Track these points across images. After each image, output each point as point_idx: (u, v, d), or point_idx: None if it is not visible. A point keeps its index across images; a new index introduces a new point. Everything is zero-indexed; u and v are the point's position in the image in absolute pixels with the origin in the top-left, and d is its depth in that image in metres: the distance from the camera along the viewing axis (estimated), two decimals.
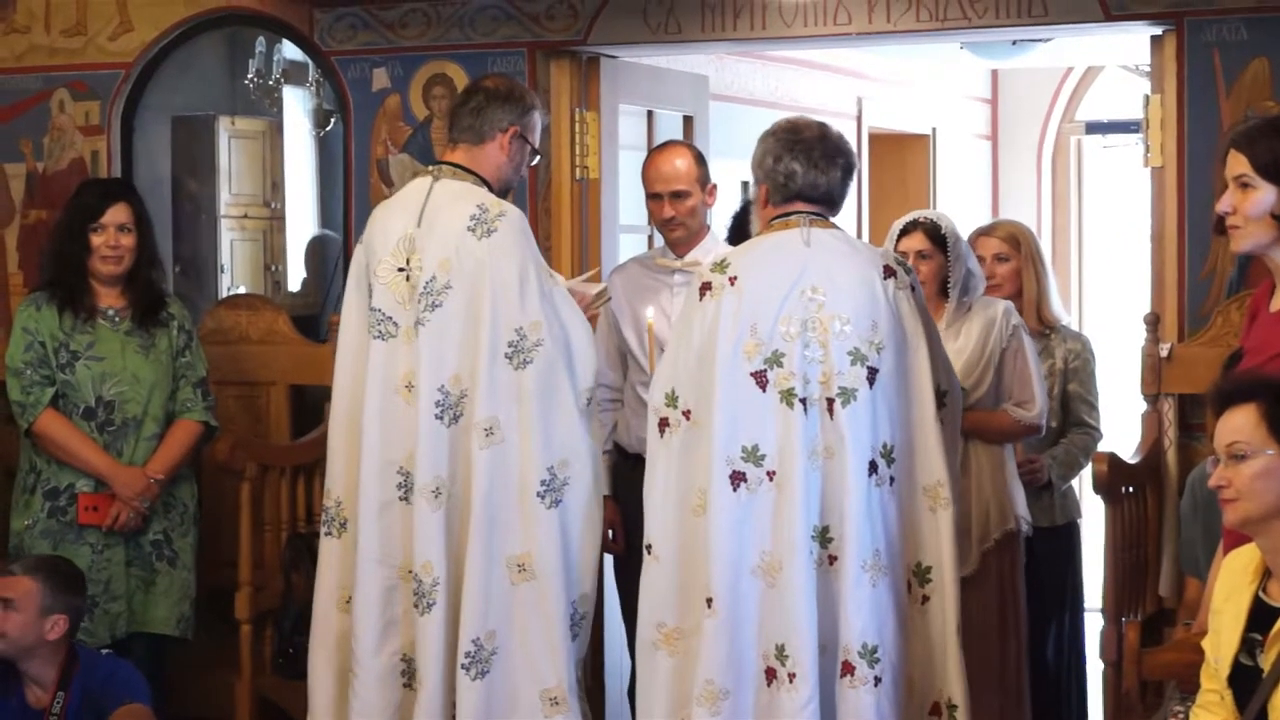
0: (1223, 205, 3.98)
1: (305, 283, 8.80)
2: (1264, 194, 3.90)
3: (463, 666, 4.91)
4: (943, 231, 5.56)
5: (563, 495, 4.97)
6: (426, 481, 4.95)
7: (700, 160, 5.86)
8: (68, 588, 5.29)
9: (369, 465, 5.03)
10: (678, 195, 5.78)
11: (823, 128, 4.66)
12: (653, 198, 5.85)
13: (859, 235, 9.70)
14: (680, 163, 5.79)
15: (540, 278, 5.01)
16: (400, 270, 5.04)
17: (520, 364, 4.94)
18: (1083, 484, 6.02)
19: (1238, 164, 3.94)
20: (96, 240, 5.81)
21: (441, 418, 4.96)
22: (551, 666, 4.95)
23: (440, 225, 5.01)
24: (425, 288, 4.98)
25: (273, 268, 8.75)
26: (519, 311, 4.94)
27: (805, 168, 4.57)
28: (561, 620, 4.96)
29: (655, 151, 5.94)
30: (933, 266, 5.55)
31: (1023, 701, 5.65)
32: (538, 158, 5.37)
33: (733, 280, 4.52)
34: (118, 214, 5.83)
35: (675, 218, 5.79)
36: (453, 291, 4.96)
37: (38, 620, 5.18)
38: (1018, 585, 5.62)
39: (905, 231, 5.61)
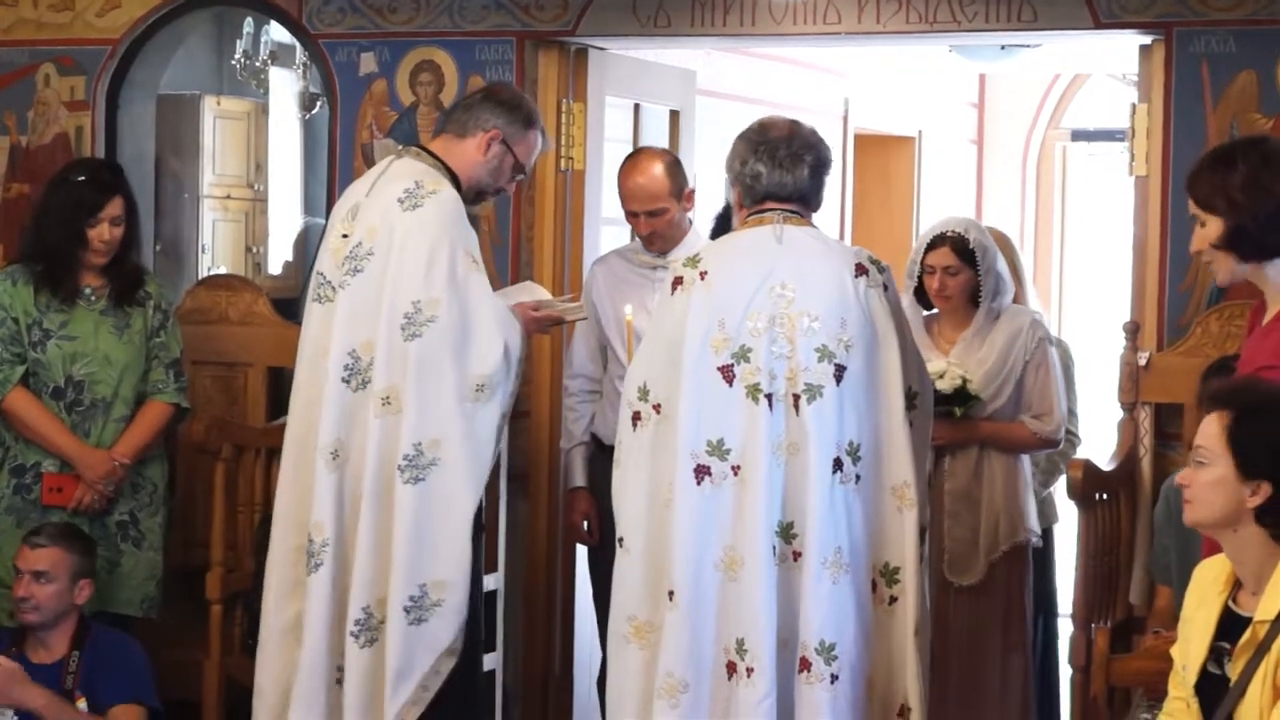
0: (1193, 247, 4.10)
1: (286, 265, 8.79)
2: (1211, 226, 4.00)
3: (352, 634, 4.93)
4: (971, 246, 5.52)
5: (426, 475, 4.94)
6: (326, 443, 4.98)
7: (673, 169, 5.82)
8: (88, 552, 5.48)
9: (291, 427, 5.10)
10: (653, 213, 5.77)
11: (792, 126, 4.65)
12: (630, 214, 5.85)
13: (841, 236, 9.71)
14: (652, 183, 5.76)
15: (455, 260, 4.99)
16: (344, 236, 5.08)
17: (410, 336, 4.95)
18: (1060, 490, 6.02)
19: (1191, 205, 4.07)
20: (91, 234, 5.77)
21: (348, 381, 4.98)
22: (392, 646, 4.93)
23: (380, 195, 5.06)
24: (351, 252, 5.02)
25: (254, 250, 8.74)
26: (420, 285, 4.95)
27: (770, 168, 4.57)
28: (395, 600, 4.91)
29: (628, 167, 5.87)
30: (961, 281, 5.53)
31: (1027, 714, 5.63)
32: (522, 175, 5.35)
33: (703, 275, 4.53)
34: (114, 208, 5.79)
35: (654, 232, 5.80)
36: (373, 259, 5.00)
37: (69, 587, 5.37)
38: (1025, 597, 5.62)
39: (932, 245, 5.56)
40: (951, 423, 5.42)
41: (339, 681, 5.00)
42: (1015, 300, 5.92)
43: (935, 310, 5.64)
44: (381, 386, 4.94)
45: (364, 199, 5.09)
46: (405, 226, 4.97)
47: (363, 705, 4.94)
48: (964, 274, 5.53)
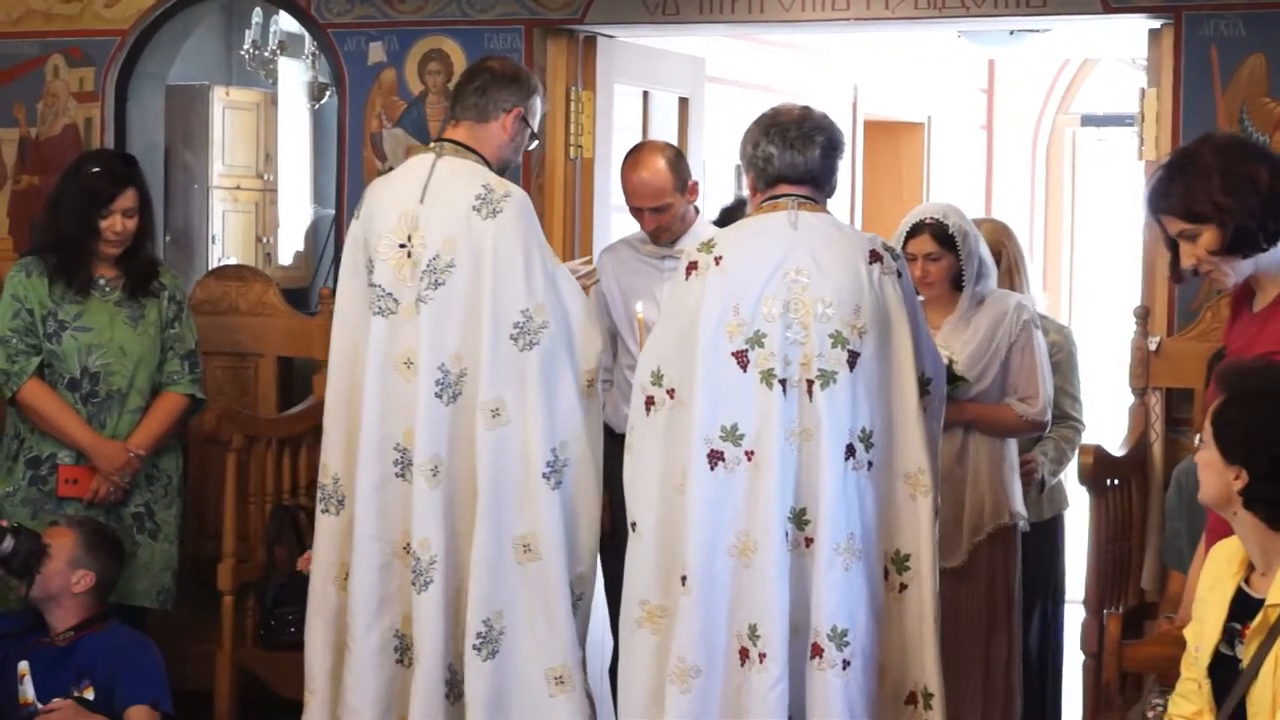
0: (1188, 263, 3.99)
1: (297, 255, 8.81)
2: (1208, 234, 3.92)
3: (474, 648, 4.93)
4: (950, 231, 5.51)
5: (564, 476, 5.00)
6: (425, 460, 4.95)
7: (676, 163, 5.79)
8: (101, 548, 5.45)
9: (367, 442, 5.03)
10: (658, 209, 5.77)
11: (804, 110, 4.65)
12: (634, 210, 5.85)
13: (851, 221, 9.70)
14: (656, 178, 5.73)
15: (544, 260, 5.03)
16: (401, 246, 5.03)
17: (526, 345, 4.95)
18: (1070, 475, 6.01)
19: (1170, 224, 3.98)
20: (104, 225, 5.77)
21: (441, 396, 4.96)
22: (556, 645, 4.98)
23: (444, 203, 5.02)
24: (428, 265, 4.98)
25: (264, 240, 8.75)
26: (524, 294, 4.96)
27: (781, 149, 4.57)
28: (564, 599, 4.98)
29: (630, 162, 5.84)
30: (943, 267, 5.50)
31: (1012, 700, 5.62)
32: (535, 142, 5.38)
33: (718, 260, 4.53)
34: (126, 200, 5.78)
35: (660, 226, 5.80)
36: (456, 270, 4.97)
37: (66, 570, 5.35)
38: (1010, 582, 5.59)
39: (912, 233, 5.56)
40: None
41: (446, 696, 5.01)
42: (1015, 290, 5.90)
43: (921, 298, 5.62)
44: (489, 398, 4.93)
45: (419, 207, 5.04)
46: (491, 236, 4.96)
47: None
48: (945, 259, 5.51)
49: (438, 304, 4.98)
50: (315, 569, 5.22)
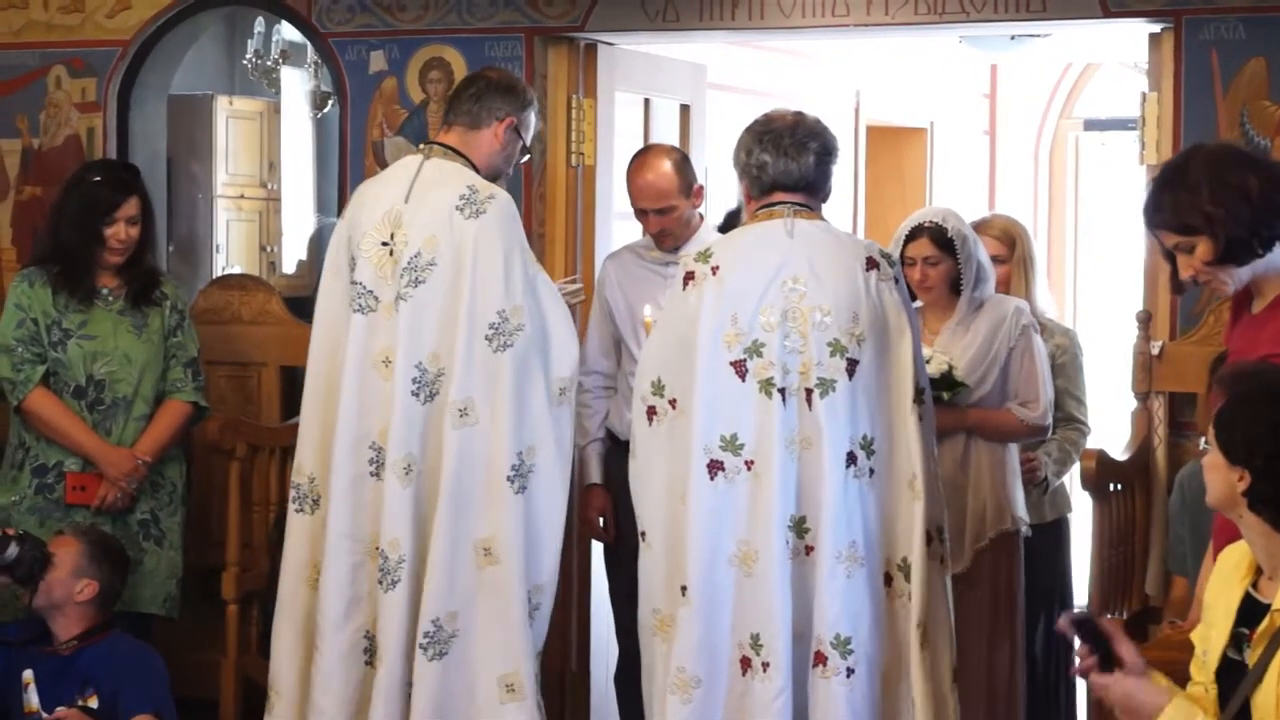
0: (1186, 274, 4.00)
1: (300, 264, 8.82)
2: (1202, 245, 3.93)
3: (421, 646, 4.90)
4: (949, 235, 5.50)
5: (528, 482, 4.96)
6: (397, 458, 4.94)
7: (682, 166, 5.82)
8: (105, 558, 5.43)
9: (343, 440, 5.02)
10: (662, 211, 5.78)
11: (796, 116, 4.65)
12: (639, 212, 5.85)
13: (854, 228, 9.70)
14: (661, 180, 5.76)
15: (525, 264, 5.01)
16: (384, 244, 5.03)
17: (500, 346, 4.94)
18: (1073, 479, 6.02)
19: (1165, 238, 3.99)
20: (108, 233, 5.78)
21: (418, 394, 4.96)
22: (509, 653, 4.94)
23: (429, 202, 5.01)
24: (409, 263, 4.98)
25: (268, 248, 8.77)
26: (502, 294, 4.94)
27: (775, 156, 4.57)
28: (520, 607, 4.94)
29: (636, 164, 5.87)
30: (942, 271, 5.50)
31: (1014, 705, 5.62)
32: (527, 156, 5.37)
33: (714, 270, 4.53)
34: (129, 208, 5.80)
35: (664, 229, 5.81)
36: (437, 269, 4.97)
37: (69, 579, 5.33)
38: (1014, 588, 5.58)
39: (911, 236, 5.56)
40: (938, 408, 5.42)
41: (408, 697, 4.98)
42: (1026, 291, 5.90)
43: (919, 302, 5.62)
44: (459, 397, 4.91)
45: (404, 206, 5.04)
46: (473, 236, 4.95)
47: None
48: (944, 263, 5.51)
49: (417, 302, 4.97)
50: (285, 569, 5.19)
